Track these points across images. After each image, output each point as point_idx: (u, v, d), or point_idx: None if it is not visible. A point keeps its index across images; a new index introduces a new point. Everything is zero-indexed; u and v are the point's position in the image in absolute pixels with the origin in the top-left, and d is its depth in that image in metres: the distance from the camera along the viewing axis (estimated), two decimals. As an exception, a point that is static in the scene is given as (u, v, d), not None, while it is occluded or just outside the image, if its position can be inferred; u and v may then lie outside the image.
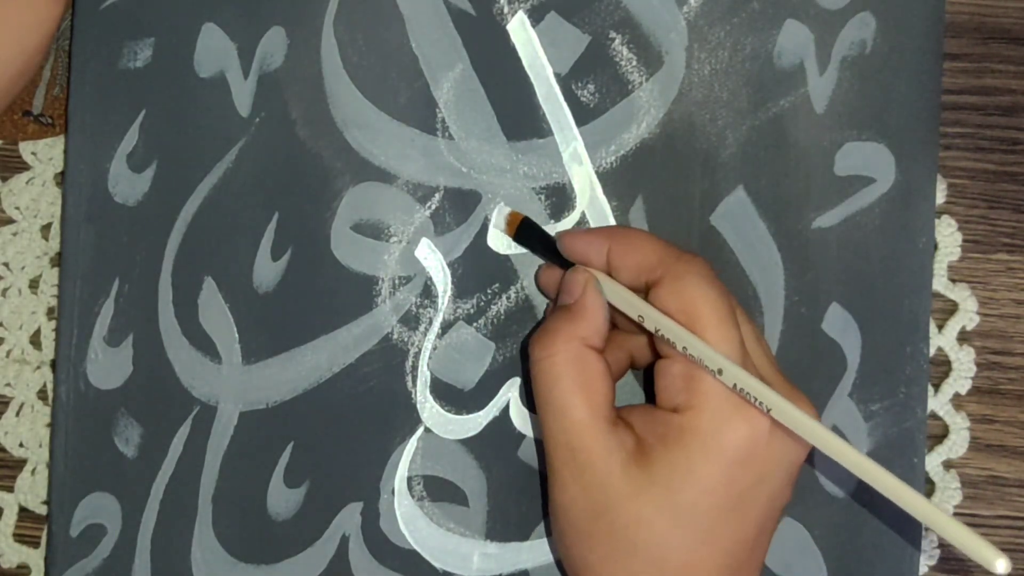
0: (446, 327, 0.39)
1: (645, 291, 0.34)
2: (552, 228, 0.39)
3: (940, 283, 0.40)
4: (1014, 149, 0.41)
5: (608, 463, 0.32)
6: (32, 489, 0.40)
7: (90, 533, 0.39)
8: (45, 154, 0.41)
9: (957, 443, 0.40)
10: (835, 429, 0.39)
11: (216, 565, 0.39)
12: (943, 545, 0.40)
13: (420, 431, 0.39)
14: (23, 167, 0.41)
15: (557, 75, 0.39)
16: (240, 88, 0.40)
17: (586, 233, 0.36)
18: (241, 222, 0.39)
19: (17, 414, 0.41)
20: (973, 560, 0.28)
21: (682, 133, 0.40)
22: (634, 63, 0.40)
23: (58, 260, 0.40)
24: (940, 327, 0.41)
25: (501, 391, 0.39)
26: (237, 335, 0.39)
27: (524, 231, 0.38)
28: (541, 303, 0.39)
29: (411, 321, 0.39)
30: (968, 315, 0.40)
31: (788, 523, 0.39)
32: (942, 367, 0.41)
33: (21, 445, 0.41)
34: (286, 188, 0.39)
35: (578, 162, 0.39)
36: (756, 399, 0.31)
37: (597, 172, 0.39)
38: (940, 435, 0.40)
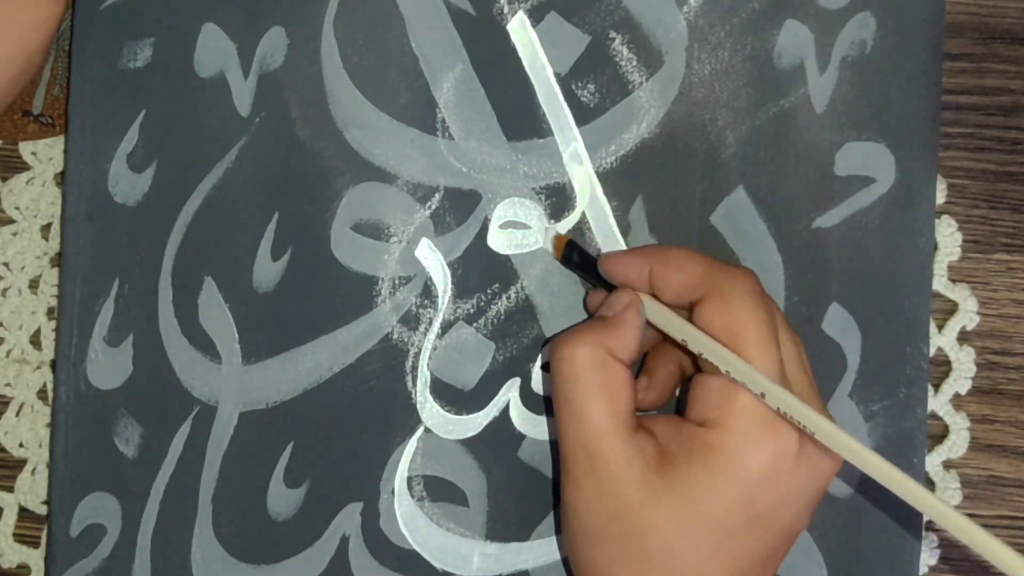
0: (446, 327, 0.39)
1: (689, 309, 0.34)
2: (551, 228, 0.39)
3: (940, 283, 0.40)
4: (1014, 149, 0.41)
5: (626, 469, 0.32)
6: (32, 489, 0.40)
7: (90, 533, 0.39)
8: (45, 154, 0.41)
9: (957, 443, 0.40)
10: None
11: (216, 565, 0.39)
12: (943, 545, 0.40)
13: (420, 431, 0.39)
14: (23, 167, 0.41)
15: (557, 75, 0.39)
16: (240, 88, 0.40)
17: (627, 254, 0.36)
18: (241, 222, 0.39)
19: (17, 414, 0.41)
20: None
21: (682, 133, 0.40)
22: (634, 63, 0.40)
23: (58, 260, 0.40)
24: (940, 327, 0.41)
25: (501, 391, 0.39)
26: (237, 335, 0.39)
27: (570, 253, 0.38)
28: (541, 303, 0.39)
29: (411, 321, 0.39)
30: (968, 315, 0.40)
31: (788, 523, 0.39)
32: (942, 367, 0.41)
33: (21, 445, 0.41)
34: (286, 188, 0.39)
35: (578, 162, 0.39)
36: (800, 421, 0.31)
37: (597, 172, 0.39)
38: (940, 435, 0.40)
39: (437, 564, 0.39)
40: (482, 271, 0.39)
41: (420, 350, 0.39)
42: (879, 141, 0.40)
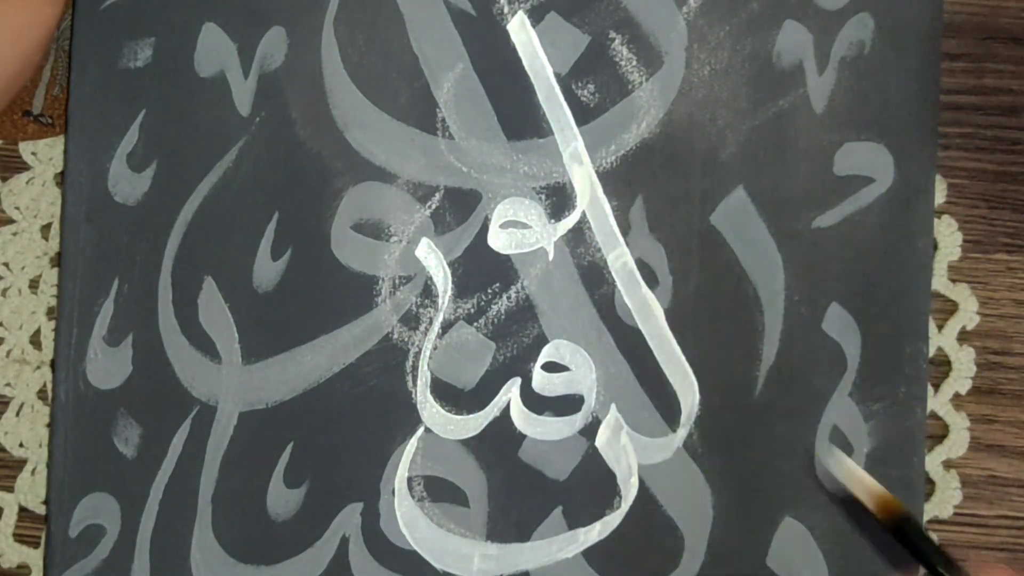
0: (446, 327, 0.39)
1: None
2: (552, 228, 0.39)
3: (940, 283, 0.40)
4: (1014, 149, 0.41)
5: None
6: (32, 489, 0.40)
7: (89, 533, 0.39)
8: (45, 154, 0.41)
9: (957, 443, 0.40)
10: (835, 429, 0.39)
11: (216, 566, 0.39)
12: (943, 545, 0.40)
13: (420, 431, 0.39)
14: (23, 167, 0.41)
15: (557, 75, 0.40)
16: (240, 88, 0.40)
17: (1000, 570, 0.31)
18: (241, 222, 0.39)
19: (17, 414, 0.41)
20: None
21: (682, 133, 0.40)
22: (634, 63, 0.40)
23: (58, 260, 0.40)
24: (940, 327, 0.41)
25: (501, 391, 0.39)
26: (237, 335, 0.39)
27: (907, 532, 0.32)
28: (541, 303, 0.39)
29: (411, 321, 0.39)
30: (968, 315, 0.40)
31: (788, 523, 0.39)
32: (942, 367, 0.41)
33: (21, 445, 0.41)
34: (286, 188, 0.39)
35: (578, 162, 0.39)
36: None
37: (597, 172, 0.39)
38: (940, 435, 0.40)
39: (437, 565, 0.39)
40: (482, 271, 0.39)
41: (420, 350, 0.39)
42: (878, 141, 0.40)
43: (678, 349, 0.39)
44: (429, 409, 0.39)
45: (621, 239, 0.39)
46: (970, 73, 0.41)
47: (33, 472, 0.40)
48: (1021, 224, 0.41)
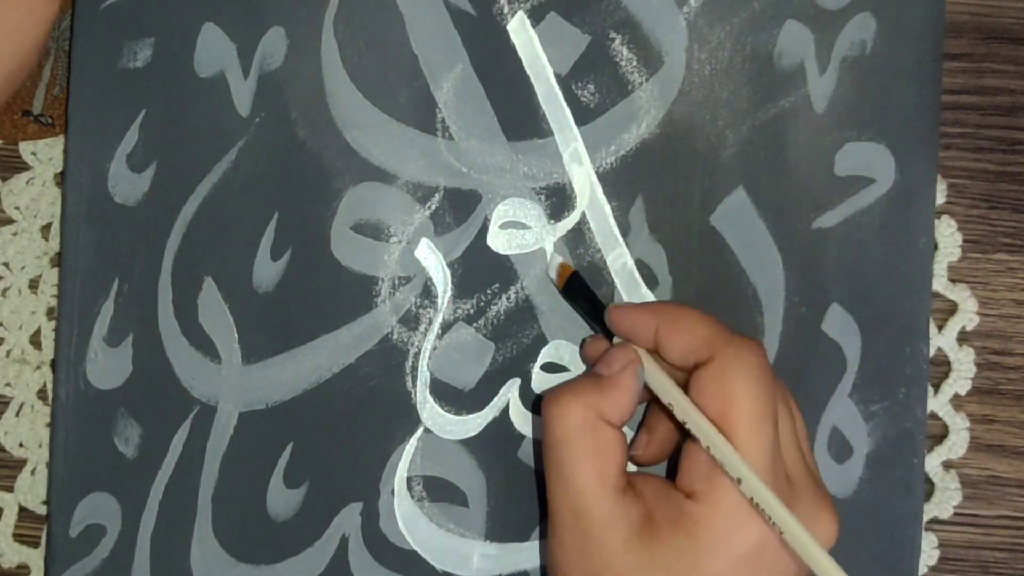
0: (446, 327, 0.39)
1: (691, 372, 0.33)
2: (552, 229, 0.39)
3: (940, 283, 0.40)
4: (1014, 149, 0.41)
5: (610, 533, 0.32)
6: (32, 489, 0.40)
7: (90, 533, 0.39)
8: (45, 154, 0.41)
9: (957, 443, 0.40)
10: (835, 430, 0.39)
11: (216, 565, 0.39)
12: (943, 545, 0.40)
13: (420, 431, 0.39)
14: (23, 167, 0.41)
15: (557, 75, 0.39)
16: (240, 88, 0.40)
17: (636, 309, 0.35)
18: (241, 222, 0.39)
19: (17, 414, 0.41)
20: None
21: (682, 133, 0.40)
22: (634, 63, 0.40)
23: (58, 260, 0.40)
24: (940, 327, 0.41)
25: (501, 391, 0.39)
26: (237, 335, 0.39)
27: (572, 286, 0.37)
28: (541, 303, 0.39)
29: (411, 321, 0.39)
30: (968, 315, 0.40)
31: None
32: (942, 367, 0.41)
33: (21, 445, 0.41)
34: (286, 188, 0.39)
35: (578, 162, 0.39)
36: (770, 517, 0.30)
37: (597, 172, 0.39)
38: (940, 435, 0.40)
39: (437, 564, 0.39)
40: (482, 271, 0.39)
41: (420, 350, 0.39)
42: (879, 141, 0.40)
43: (678, 349, 0.39)
44: (429, 409, 0.39)
45: (621, 239, 0.39)
46: (971, 73, 0.41)
47: (33, 472, 0.41)
48: (1021, 224, 0.41)
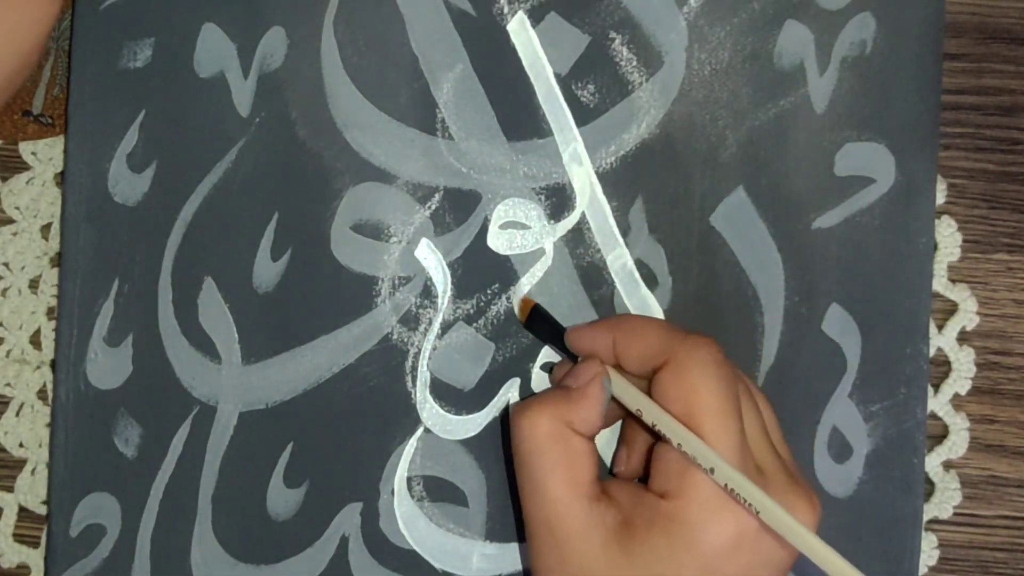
0: (446, 327, 0.39)
1: (652, 378, 0.34)
2: (552, 229, 0.39)
3: (940, 283, 0.40)
4: (1014, 149, 0.41)
5: (586, 540, 0.32)
6: (32, 489, 0.40)
7: (90, 533, 0.39)
8: (45, 154, 0.41)
9: (957, 443, 0.40)
10: (835, 430, 0.39)
11: (216, 565, 0.39)
12: (943, 545, 0.40)
13: (420, 431, 0.39)
14: (23, 167, 0.41)
15: (557, 75, 0.39)
16: (240, 88, 0.40)
17: (591, 327, 0.36)
18: (241, 222, 0.39)
19: (17, 414, 0.41)
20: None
21: (682, 133, 0.40)
22: (634, 63, 0.40)
23: (58, 260, 0.40)
24: (940, 327, 0.41)
25: (501, 391, 0.39)
26: (237, 335, 0.39)
27: (535, 318, 0.38)
28: (541, 303, 0.39)
29: (411, 321, 0.39)
30: (968, 315, 0.40)
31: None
32: (942, 367, 0.41)
33: (21, 445, 0.41)
34: (286, 188, 0.39)
35: (578, 162, 0.39)
36: (747, 501, 0.31)
37: (597, 172, 0.39)
38: (940, 435, 0.40)
39: (437, 564, 0.39)
40: (482, 271, 0.39)
41: (420, 350, 0.39)
42: (879, 141, 0.40)
43: (678, 350, 0.39)
44: (429, 409, 0.39)
45: (621, 240, 0.39)
46: (971, 73, 0.41)
47: (33, 472, 0.41)
48: (1021, 224, 0.41)
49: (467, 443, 0.39)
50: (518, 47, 0.40)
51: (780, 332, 0.39)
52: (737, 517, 0.31)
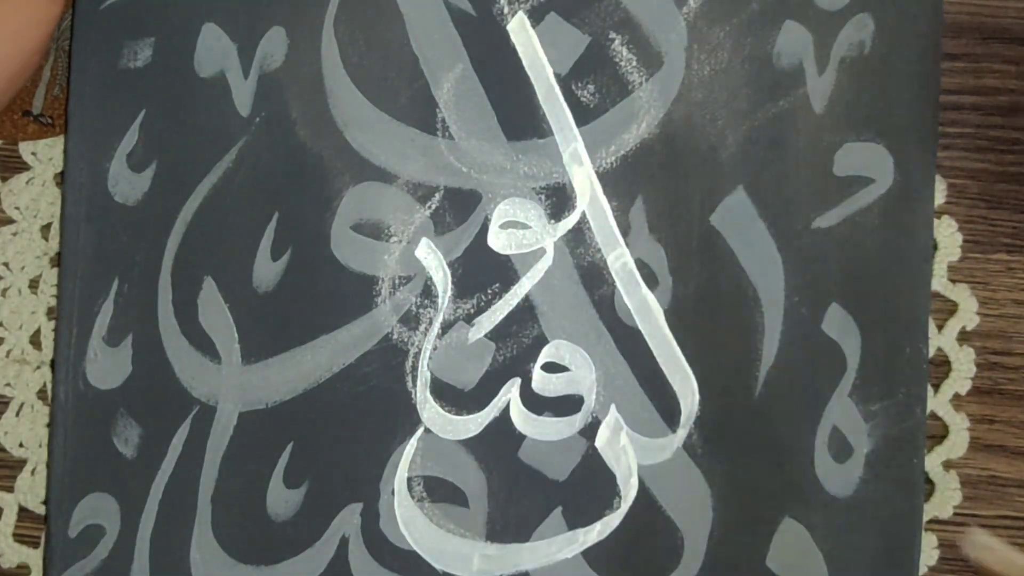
0: (446, 327, 0.39)
1: None
2: (552, 229, 0.39)
3: (940, 283, 0.40)
4: (1014, 149, 0.41)
5: None
6: (32, 489, 0.40)
7: (89, 533, 0.39)
8: (45, 154, 0.41)
9: (957, 443, 0.40)
10: (835, 430, 0.39)
11: (215, 566, 0.39)
12: (943, 545, 0.40)
13: (420, 431, 0.39)
14: (23, 167, 0.41)
15: (557, 75, 0.40)
16: (240, 88, 0.40)
17: None
18: (241, 222, 0.39)
19: (17, 414, 0.41)
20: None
21: (682, 133, 0.40)
22: (634, 63, 0.40)
23: (58, 260, 0.40)
24: (940, 327, 0.41)
25: (501, 391, 0.39)
26: (237, 335, 0.39)
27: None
28: (541, 303, 0.39)
29: (411, 321, 0.39)
30: (968, 315, 0.40)
31: (788, 523, 0.39)
32: (942, 367, 0.41)
33: (21, 445, 0.41)
34: (286, 188, 0.39)
35: (578, 162, 0.39)
36: None
37: (597, 172, 0.39)
38: (940, 435, 0.40)
39: (437, 565, 0.39)
40: (482, 271, 0.39)
41: (420, 350, 0.39)
42: (878, 142, 0.40)
43: (678, 350, 0.39)
44: (429, 409, 0.39)
45: (621, 239, 0.39)
46: (970, 73, 0.41)
47: (33, 472, 0.40)
48: (1021, 224, 0.41)
49: (467, 443, 0.39)
50: (518, 47, 0.40)
51: (780, 332, 0.39)
52: None
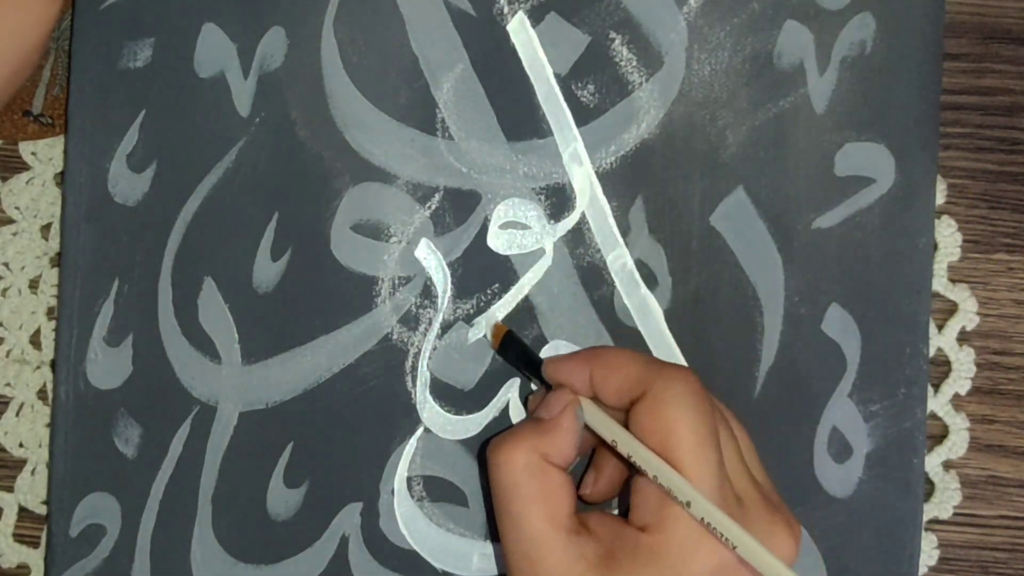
0: (446, 327, 0.39)
1: (629, 410, 0.33)
2: (552, 229, 0.39)
3: (940, 283, 0.40)
4: (1014, 149, 0.41)
5: (568, 574, 0.32)
6: (32, 489, 0.40)
7: (90, 533, 0.39)
8: (45, 154, 0.41)
9: (957, 443, 0.40)
10: (835, 430, 0.39)
11: (216, 565, 0.39)
12: (943, 545, 0.40)
13: (420, 431, 0.39)
14: (23, 167, 0.41)
15: (557, 75, 0.39)
16: (240, 88, 0.40)
17: (568, 359, 0.35)
18: (241, 222, 0.39)
19: (17, 414, 0.41)
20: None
21: (682, 133, 0.40)
22: (634, 63, 0.40)
23: (58, 260, 0.40)
24: (940, 327, 0.41)
25: (501, 391, 0.39)
26: (237, 335, 0.39)
27: (507, 344, 0.38)
28: (541, 303, 0.39)
29: (411, 321, 0.39)
30: (968, 315, 0.40)
31: (788, 523, 0.39)
32: (942, 367, 0.41)
33: (21, 445, 0.41)
34: (286, 188, 0.39)
35: (578, 162, 0.39)
36: (723, 535, 0.31)
37: (597, 172, 0.39)
38: (940, 435, 0.40)
39: (437, 564, 0.39)
40: (482, 271, 0.39)
41: (420, 350, 0.39)
42: (879, 142, 0.40)
43: (677, 350, 0.39)
44: (429, 409, 0.39)
45: (620, 240, 0.39)
46: (971, 73, 0.41)
47: (33, 472, 0.41)
48: (1021, 224, 0.41)
49: (467, 443, 0.39)
50: (518, 47, 0.40)
51: (780, 332, 0.39)
52: (719, 549, 0.31)
